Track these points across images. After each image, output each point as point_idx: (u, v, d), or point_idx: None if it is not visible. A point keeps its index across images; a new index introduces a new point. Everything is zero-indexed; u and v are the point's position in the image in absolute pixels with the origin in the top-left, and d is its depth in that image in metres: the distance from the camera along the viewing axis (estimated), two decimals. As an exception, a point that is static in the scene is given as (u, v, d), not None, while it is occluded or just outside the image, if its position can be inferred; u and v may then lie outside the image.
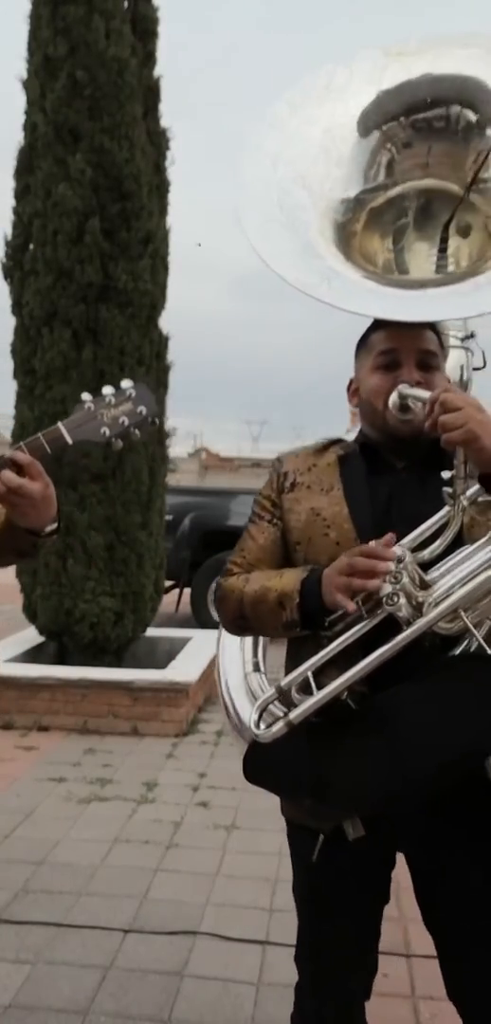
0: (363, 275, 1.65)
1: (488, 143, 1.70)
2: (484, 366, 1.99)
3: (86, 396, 1.45)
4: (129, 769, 4.53)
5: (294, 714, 1.36)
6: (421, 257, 1.76)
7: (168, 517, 6.67)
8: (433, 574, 1.39)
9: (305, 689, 1.39)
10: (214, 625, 2.35)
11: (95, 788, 4.22)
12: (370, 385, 1.57)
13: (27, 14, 5.84)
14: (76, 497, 5.63)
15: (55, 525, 1.49)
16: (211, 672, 5.45)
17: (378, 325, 1.58)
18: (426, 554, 1.41)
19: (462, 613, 1.33)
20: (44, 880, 3.23)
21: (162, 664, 5.67)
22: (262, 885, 3.18)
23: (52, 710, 5.23)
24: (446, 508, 1.41)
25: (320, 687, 1.36)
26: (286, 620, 1.45)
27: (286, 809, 1.60)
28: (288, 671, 1.54)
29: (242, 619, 1.56)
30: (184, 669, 5.54)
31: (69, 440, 1.43)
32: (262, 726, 1.40)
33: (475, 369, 2.00)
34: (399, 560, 1.34)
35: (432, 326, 1.58)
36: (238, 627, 1.63)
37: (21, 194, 5.86)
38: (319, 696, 1.35)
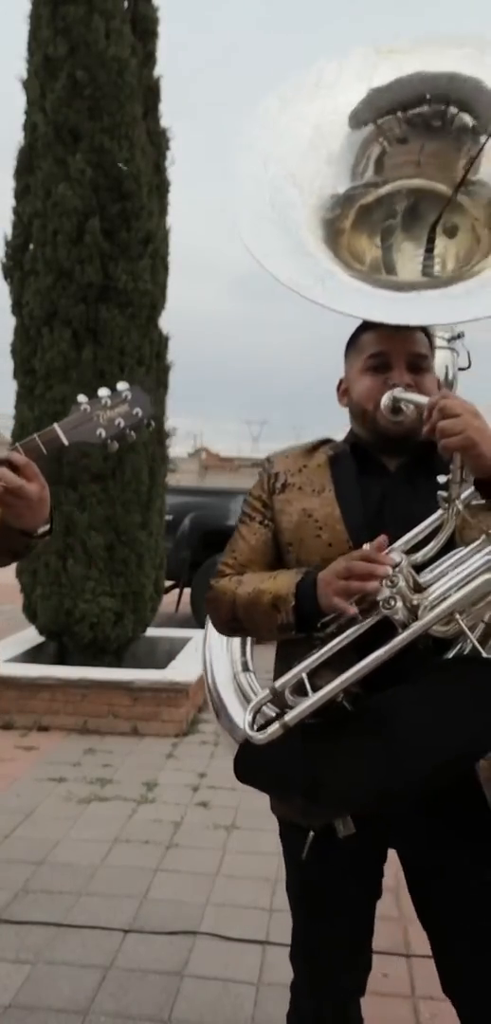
0: (352, 274, 1.65)
1: (479, 145, 1.70)
2: (469, 366, 2.01)
3: (82, 398, 1.45)
4: (129, 769, 4.54)
5: (290, 716, 1.36)
6: (408, 256, 1.76)
7: (168, 517, 6.67)
8: (426, 577, 1.40)
9: (299, 690, 1.40)
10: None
11: (95, 788, 4.23)
12: (361, 387, 1.57)
13: (27, 14, 5.85)
14: (76, 497, 5.63)
15: (48, 526, 1.49)
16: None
17: (368, 326, 1.58)
18: (419, 557, 1.42)
19: (458, 617, 1.34)
20: (44, 880, 3.24)
21: (162, 664, 5.67)
22: (262, 885, 3.18)
23: (52, 710, 5.23)
24: (439, 511, 1.42)
25: (314, 688, 1.37)
26: (281, 623, 1.45)
27: (277, 807, 1.61)
28: (278, 671, 1.55)
29: (235, 621, 1.56)
30: (184, 669, 5.55)
31: (65, 441, 1.43)
32: (255, 727, 1.40)
33: (460, 369, 2.02)
34: (395, 564, 1.35)
35: (423, 328, 1.58)
36: (231, 629, 1.64)
37: (21, 194, 5.87)
38: (315, 698, 1.36)
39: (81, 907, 3.03)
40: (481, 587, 1.34)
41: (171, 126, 6.28)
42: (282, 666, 1.52)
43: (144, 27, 6.09)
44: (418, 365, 1.55)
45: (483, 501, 1.41)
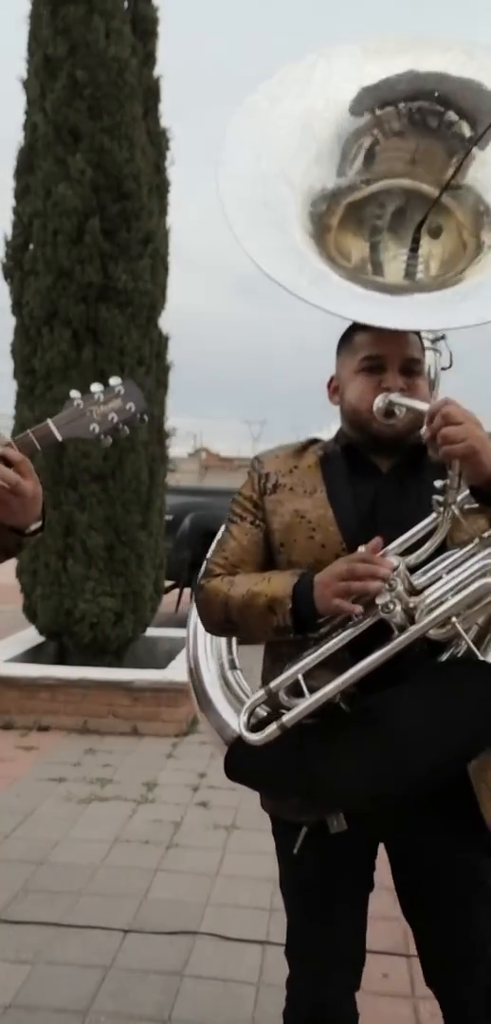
0: (341, 273, 1.64)
1: (467, 147, 1.70)
2: (450, 366, 2.02)
3: (75, 394, 1.46)
4: (129, 769, 4.54)
5: (288, 717, 1.37)
6: (392, 255, 1.75)
7: (168, 517, 6.67)
8: (421, 579, 1.40)
9: (294, 691, 1.40)
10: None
11: (95, 788, 4.23)
12: (354, 388, 1.56)
13: (27, 14, 5.85)
14: (76, 497, 5.63)
15: (39, 523, 1.48)
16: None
17: (362, 326, 1.57)
18: (412, 559, 1.42)
19: (455, 620, 1.35)
20: (44, 880, 3.24)
21: (162, 664, 5.67)
22: (262, 885, 3.18)
23: (52, 710, 5.23)
24: (433, 515, 1.42)
25: (310, 689, 1.37)
26: (277, 625, 1.45)
27: (268, 805, 1.61)
28: (267, 671, 1.55)
29: (228, 623, 1.55)
30: (184, 669, 5.52)
31: (58, 437, 1.43)
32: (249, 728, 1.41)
33: (443, 369, 2.03)
34: (394, 567, 1.36)
35: (416, 331, 1.58)
36: (223, 630, 1.64)
37: (21, 194, 5.87)
38: (313, 699, 1.36)
39: (81, 907, 3.03)
40: (477, 591, 1.35)
41: (171, 126, 6.30)
42: (273, 665, 1.53)
43: (144, 27, 6.08)
44: (411, 369, 1.55)
45: (476, 505, 1.41)
